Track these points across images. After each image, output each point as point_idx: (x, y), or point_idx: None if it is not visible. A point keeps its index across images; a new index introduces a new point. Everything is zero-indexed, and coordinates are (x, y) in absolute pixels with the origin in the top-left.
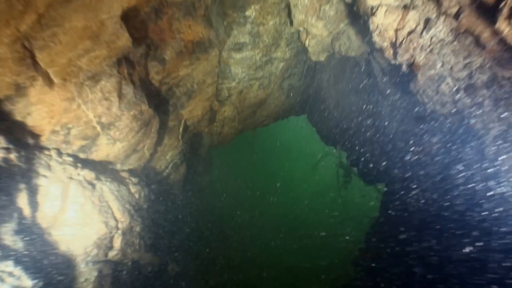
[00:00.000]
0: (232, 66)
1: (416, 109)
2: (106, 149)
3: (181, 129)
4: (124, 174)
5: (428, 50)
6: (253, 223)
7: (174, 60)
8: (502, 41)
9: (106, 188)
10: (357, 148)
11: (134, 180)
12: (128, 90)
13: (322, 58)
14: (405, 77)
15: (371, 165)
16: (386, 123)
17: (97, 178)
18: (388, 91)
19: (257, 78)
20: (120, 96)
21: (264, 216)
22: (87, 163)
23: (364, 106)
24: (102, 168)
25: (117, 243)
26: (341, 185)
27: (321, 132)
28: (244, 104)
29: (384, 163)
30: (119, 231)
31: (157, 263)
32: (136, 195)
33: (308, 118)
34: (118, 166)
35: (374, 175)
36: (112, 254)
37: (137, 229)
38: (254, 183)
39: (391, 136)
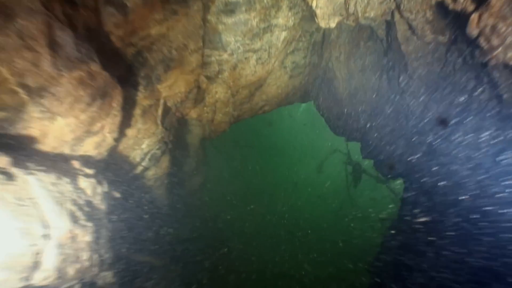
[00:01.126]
0: (222, 34)
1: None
2: (41, 126)
3: (159, 111)
4: (75, 163)
5: None
6: (256, 234)
7: (140, 8)
8: None
9: (33, 180)
10: (374, 138)
11: (88, 171)
12: (65, 38)
13: (332, 24)
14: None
15: (391, 158)
16: (414, 108)
17: (18, 165)
18: (418, 68)
19: (254, 50)
20: (53, 45)
21: (267, 223)
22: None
23: (383, 88)
24: (31, 153)
25: (49, 259)
26: (350, 184)
27: (330, 120)
28: (239, 83)
29: (409, 157)
30: (52, 242)
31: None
32: (88, 191)
33: (315, 104)
34: (66, 152)
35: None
36: (39, 276)
37: (86, 238)
38: (253, 185)
39: (420, 125)
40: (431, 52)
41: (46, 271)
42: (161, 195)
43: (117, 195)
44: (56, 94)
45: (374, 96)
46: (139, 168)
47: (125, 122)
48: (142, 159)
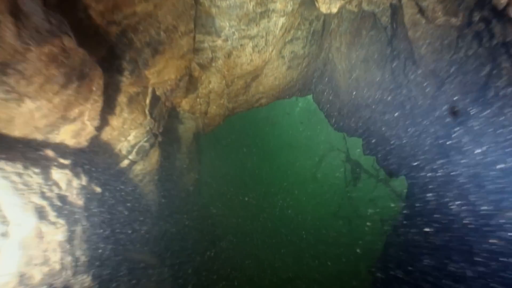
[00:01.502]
0: (216, 18)
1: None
2: (5, 108)
3: (148, 100)
4: (49, 153)
5: None
6: (251, 235)
7: None
8: None
9: None
10: (377, 133)
11: (64, 162)
12: (33, 6)
13: (334, 9)
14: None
15: (394, 155)
16: (421, 100)
17: None
18: (426, 56)
19: (250, 36)
20: (17, 13)
21: (262, 224)
22: None
23: (387, 79)
24: None
25: (8, 262)
26: (349, 183)
27: (330, 115)
28: (234, 73)
29: (415, 154)
30: (12, 241)
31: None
32: (62, 184)
33: (314, 98)
34: (39, 139)
35: (398, 166)
36: None
37: (57, 237)
38: (248, 184)
39: (428, 118)
40: (441, 38)
41: (5, 276)
42: (150, 192)
43: (98, 190)
44: (23, 71)
45: (377, 88)
46: (126, 162)
47: (109, 110)
48: (129, 152)
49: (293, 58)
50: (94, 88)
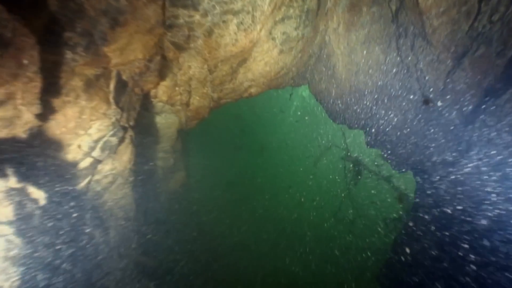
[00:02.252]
0: None
1: None
2: None
3: (111, 85)
4: None
5: None
6: (248, 242)
7: None
8: None
9: None
10: (382, 124)
11: None
12: None
13: None
14: None
15: (403, 147)
16: (433, 82)
17: None
18: (439, 28)
19: (233, 11)
20: None
21: (259, 228)
22: None
23: (392, 61)
24: None
25: None
26: (350, 182)
27: (328, 105)
28: (217, 55)
29: (426, 146)
30: None
31: None
32: None
33: (311, 87)
34: None
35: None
36: None
37: None
38: (242, 186)
39: (441, 104)
40: (458, 3)
41: None
42: (125, 196)
43: (40, 195)
44: None
45: (380, 72)
46: (88, 160)
47: (57, 95)
48: (92, 148)
49: (285, 40)
50: (25, 62)
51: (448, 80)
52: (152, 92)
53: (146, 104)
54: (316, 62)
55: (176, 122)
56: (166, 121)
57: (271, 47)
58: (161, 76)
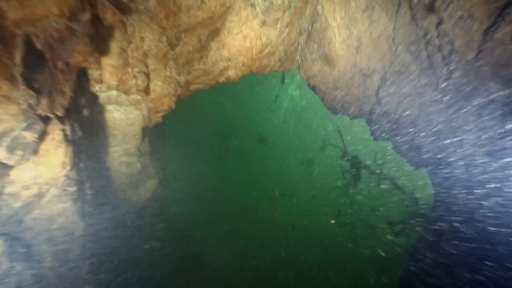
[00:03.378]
0: None
1: None
2: None
3: (17, 55)
4: None
5: None
6: (240, 259)
7: None
8: None
9: None
10: (391, 110)
11: None
12: None
13: None
14: None
15: (419, 137)
16: (454, 56)
17: None
18: None
19: None
20: None
21: (250, 240)
22: None
23: (403, 30)
24: None
25: None
26: (348, 184)
27: (324, 92)
28: (178, 22)
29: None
30: None
31: None
32: None
33: (302, 72)
34: None
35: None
36: None
37: None
38: (229, 193)
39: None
40: None
41: None
42: (63, 213)
43: None
44: None
45: (388, 46)
46: None
47: None
48: None
49: (267, 9)
50: None
51: (484, 45)
52: (96, 74)
53: (84, 88)
54: (307, 39)
55: (139, 118)
56: (126, 117)
57: (251, 16)
58: (97, 46)
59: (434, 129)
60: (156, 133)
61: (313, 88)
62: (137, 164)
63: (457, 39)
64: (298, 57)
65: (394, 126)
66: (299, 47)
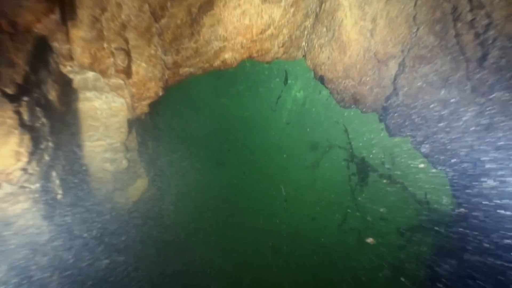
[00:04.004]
0: None
1: None
2: None
3: None
4: None
5: None
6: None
7: None
8: None
9: None
10: (411, 101)
11: None
12: None
13: None
14: None
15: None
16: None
17: None
18: None
19: None
20: None
21: (252, 249)
22: None
23: (425, 10)
24: None
25: None
26: (355, 187)
27: (332, 83)
28: None
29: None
30: None
31: None
32: None
33: (308, 60)
34: None
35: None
36: None
37: None
38: (229, 197)
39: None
40: None
41: None
42: (22, 216)
43: None
44: None
45: (408, 27)
46: None
47: None
48: None
49: None
50: None
51: None
52: (64, 49)
53: (50, 65)
54: (314, 23)
55: (124, 108)
56: (108, 106)
57: None
58: (54, 5)
59: (462, 125)
60: (147, 128)
61: (321, 79)
62: (123, 160)
63: (496, 10)
64: (304, 43)
65: (414, 121)
66: (306, 32)
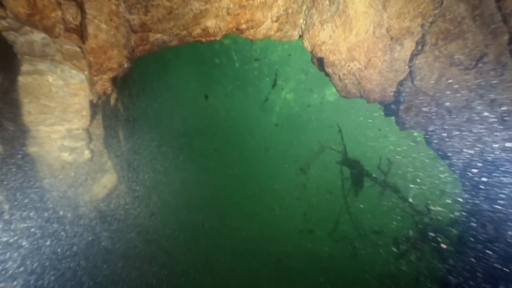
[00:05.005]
0: None
1: None
2: None
3: None
4: None
5: None
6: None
7: None
8: None
9: None
10: (432, 90)
11: None
12: None
13: None
14: None
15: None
16: None
17: None
18: None
19: None
20: None
21: (235, 259)
22: None
23: None
24: None
25: None
26: (348, 193)
27: (334, 66)
28: None
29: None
30: None
31: None
32: None
33: (306, 40)
34: None
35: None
36: None
37: None
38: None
39: None
40: None
41: None
42: None
43: None
44: None
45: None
46: None
47: None
48: None
49: None
50: None
51: None
52: None
53: None
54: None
55: (85, 87)
56: (65, 83)
57: None
58: None
59: (496, 119)
60: (118, 116)
61: (320, 62)
62: (86, 151)
63: None
64: (302, 20)
65: (432, 112)
66: (304, 6)
